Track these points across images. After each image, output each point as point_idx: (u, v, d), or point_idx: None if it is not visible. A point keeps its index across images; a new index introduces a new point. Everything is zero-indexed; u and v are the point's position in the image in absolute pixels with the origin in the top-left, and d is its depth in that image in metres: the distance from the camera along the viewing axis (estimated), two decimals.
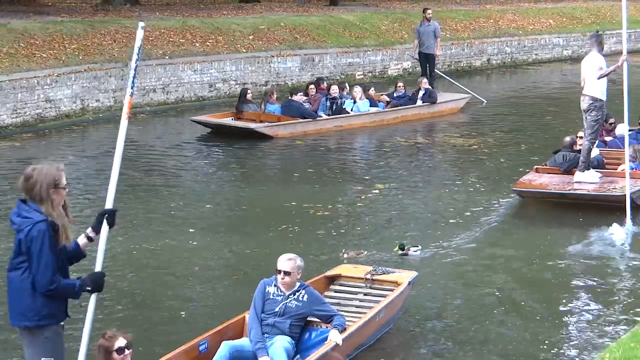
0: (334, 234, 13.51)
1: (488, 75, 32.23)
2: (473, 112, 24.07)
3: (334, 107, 21.28)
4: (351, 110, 21.45)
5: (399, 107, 22.37)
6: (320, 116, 21.00)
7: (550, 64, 34.89)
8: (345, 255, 12.01)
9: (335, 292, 10.40)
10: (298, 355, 8.94)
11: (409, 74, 30.12)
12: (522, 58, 34.65)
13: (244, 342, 8.85)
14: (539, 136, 21.23)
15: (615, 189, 14.72)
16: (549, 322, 10.45)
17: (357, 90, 21.73)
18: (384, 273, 10.50)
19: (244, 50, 26.44)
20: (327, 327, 9.05)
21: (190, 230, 13.59)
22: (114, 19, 26.95)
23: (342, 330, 8.97)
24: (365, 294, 10.29)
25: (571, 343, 9.96)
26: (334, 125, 21.06)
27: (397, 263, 11.80)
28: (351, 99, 21.63)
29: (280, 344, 8.73)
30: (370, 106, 21.78)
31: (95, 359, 7.02)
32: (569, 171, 15.37)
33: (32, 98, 21.06)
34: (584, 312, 10.80)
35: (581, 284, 11.77)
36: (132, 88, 7.05)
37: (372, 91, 22.46)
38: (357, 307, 10.04)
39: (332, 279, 10.60)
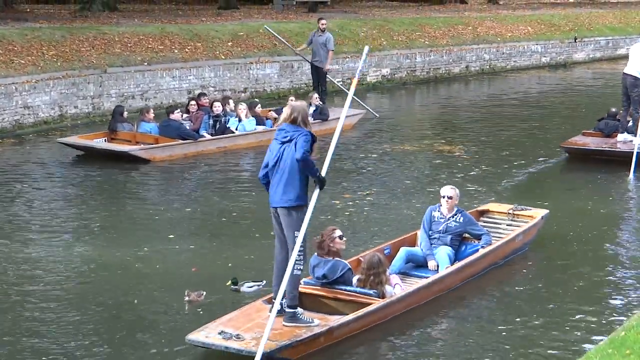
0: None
1: (467, 82, 32.26)
2: (367, 129, 22.52)
3: (217, 126, 19.37)
4: (236, 129, 19.69)
5: None
6: (203, 136, 19.12)
7: (528, 71, 35.03)
8: (187, 298, 10.92)
9: (484, 222, 13.08)
10: (457, 262, 11.68)
11: (388, 80, 30.17)
12: (501, 65, 34.74)
13: (416, 249, 11.93)
14: (521, 141, 21.25)
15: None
16: None
17: (242, 108, 20.01)
18: (523, 209, 13.30)
19: (223, 57, 26.35)
20: (477, 242, 12.06)
21: (170, 236, 13.52)
22: (93, 25, 26.82)
23: (489, 245, 11.93)
24: (507, 224, 13.08)
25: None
26: (216, 146, 19.18)
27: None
28: (236, 116, 19.88)
29: (444, 251, 11.77)
30: (257, 124, 20.01)
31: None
32: (610, 135, 19.11)
33: (10, 104, 20.90)
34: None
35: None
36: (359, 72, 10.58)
37: (258, 108, 20.55)
38: (500, 232, 12.81)
39: (482, 213, 13.41)
